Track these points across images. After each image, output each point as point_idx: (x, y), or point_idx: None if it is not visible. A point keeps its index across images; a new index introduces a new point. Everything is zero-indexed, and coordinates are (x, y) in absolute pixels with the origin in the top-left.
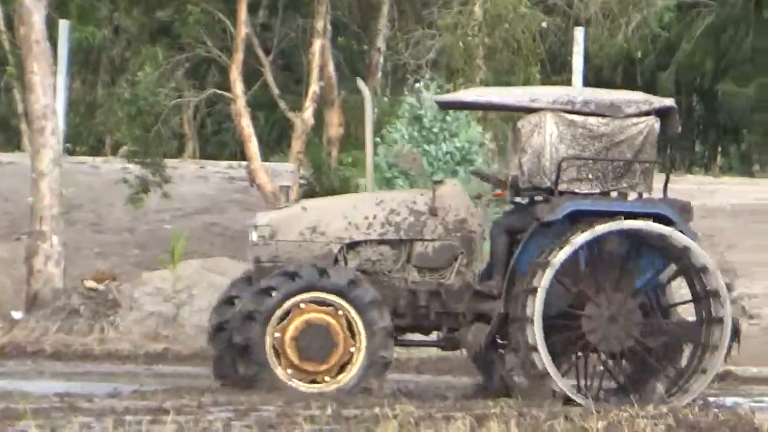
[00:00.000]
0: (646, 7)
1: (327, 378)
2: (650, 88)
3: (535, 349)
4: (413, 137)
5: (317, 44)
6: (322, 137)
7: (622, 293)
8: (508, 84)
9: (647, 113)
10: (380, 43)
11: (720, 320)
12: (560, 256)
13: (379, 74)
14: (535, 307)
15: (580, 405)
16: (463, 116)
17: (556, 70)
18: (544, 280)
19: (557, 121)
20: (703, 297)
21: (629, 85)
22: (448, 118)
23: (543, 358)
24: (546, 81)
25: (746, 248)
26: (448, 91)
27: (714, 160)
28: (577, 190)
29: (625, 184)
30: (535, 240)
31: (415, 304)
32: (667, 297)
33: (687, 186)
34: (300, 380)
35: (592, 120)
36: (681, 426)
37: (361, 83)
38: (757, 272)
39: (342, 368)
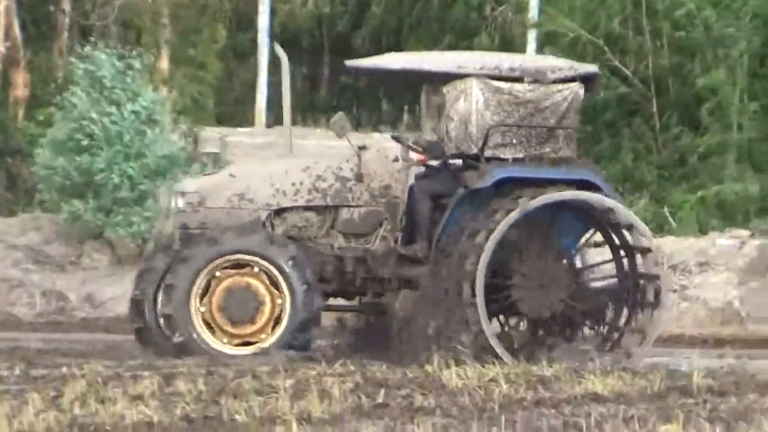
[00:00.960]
0: None
1: (263, 336)
2: (342, 47)
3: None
4: (95, 100)
5: (2, 5)
6: (8, 98)
7: (547, 259)
8: (194, 44)
9: (572, 79)
10: (65, 4)
11: (655, 277)
12: (493, 238)
13: (65, 35)
14: (477, 290)
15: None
16: (142, 77)
17: (242, 29)
18: (480, 265)
19: (483, 87)
20: (630, 255)
21: (318, 44)
22: (128, 79)
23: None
24: (232, 39)
25: None
26: (132, 52)
27: (401, 119)
28: (502, 156)
29: (548, 149)
30: (462, 206)
31: (341, 270)
32: (585, 260)
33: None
34: (238, 345)
35: (518, 86)
36: (368, 383)
37: (278, 48)
38: None
39: (277, 322)
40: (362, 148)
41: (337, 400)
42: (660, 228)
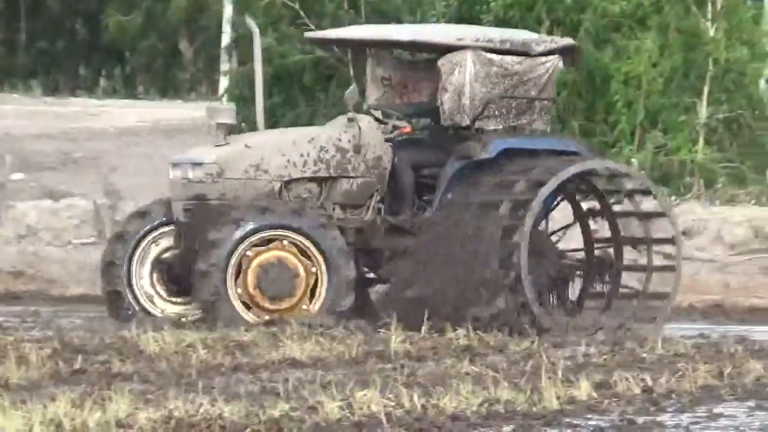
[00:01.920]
0: None
1: (304, 306)
2: (37, 12)
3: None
4: None
5: None
6: None
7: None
8: None
9: (552, 52)
10: None
11: (671, 240)
12: (534, 206)
13: None
14: (522, 261)
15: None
16: None
17: None
18: (524, 235)
19: (476, 59)
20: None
21: (15, 8)
22: None
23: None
24: None
25: (130, 171)
26: None
27: (98, 83)
28: (485, 127)
29: (525, 121)
30: (463, 177)
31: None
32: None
33: (72, 109)
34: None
35: (507, 59)
36: (66, 349)
37: (249, 20)
38: (139, 194)
39: (314, 291)
40: (352, 119)
41: (34, 366)
42: None
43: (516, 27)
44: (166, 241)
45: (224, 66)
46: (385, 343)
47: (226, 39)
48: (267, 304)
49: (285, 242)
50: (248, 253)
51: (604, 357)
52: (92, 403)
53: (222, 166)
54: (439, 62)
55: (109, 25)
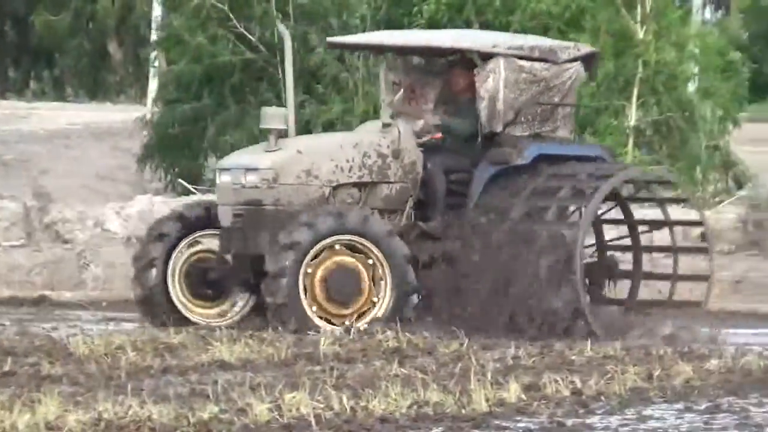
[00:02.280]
0: None
1: (346, 323)
2: None
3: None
4: None
5: None
6: None
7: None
8: None
9: (575, 59)
10: None
11: (705, 249)
12: (586, 218)
13: None
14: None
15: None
16: None
17: None
18: (579, 240)
19: (507, 65)
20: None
21: None
22: None
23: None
24: None
25: (60, 173)
26: None
27: (27, 86)
28: (512, 133)
29: (548, 128)
30: (496, 182)
31: None
32: None
33: (1, 112)
34: (321, 319)
35: (537, 65)
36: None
37: (280, 25)
38: (69, 197)
39: (360, 317)
40: (387, 124)
41: None
42: None
43: (445, 29)
44: (202, 245)
45: (153, 69)
46: (315, 345)
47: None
48: (332, 309)
49: (350, 248)
50: (317, 257)
51: (533, 359)
52: (21, 406)
53: (277, 172)
54: (475, 71)
55: (37, 25)
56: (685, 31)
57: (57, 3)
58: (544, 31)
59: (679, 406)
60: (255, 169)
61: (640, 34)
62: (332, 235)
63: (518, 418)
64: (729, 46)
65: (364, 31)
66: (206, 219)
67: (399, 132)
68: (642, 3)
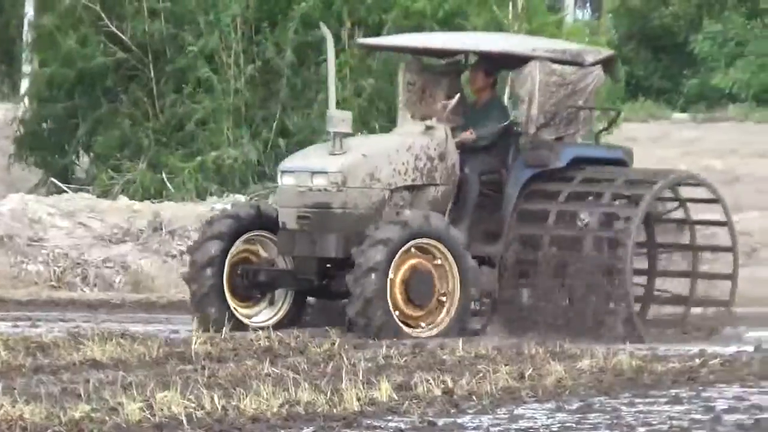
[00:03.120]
0: None
1: (423, 324)
2: None
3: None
4: None
5: None
6: None
7: None
8: None
9: (597, 63)
10: None
11: (730, 248)
12: (633, 226)
13: None
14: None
15: None
16: None
17: None
18: (630, 247)
19: (541, 69)
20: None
21: None
22: None
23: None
24: None
25: None
26: None
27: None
28: (541, 137)
29: (571, 131)
30: (530, 185)
31: None
32: None
33: None
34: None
35: (567, 69)
36: None
37: (323, 26)
38: None
39: (431, 316)
40: (430, 127)
41: None
42: (159, 194)
43: (317, 27)
44: (256, 245)
45: (26, 67)
46: (186, 344)
47: (27, 40)
48: (408, 310)
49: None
50: (400, 257)
51: (405, 358)
52: None
53: (345, 175)
54: (511, 74)
55: None
56: (557, 32)
57: None
58: (418, 30)
59: (551, 405)
60: (323, 173)
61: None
62: (422, 236)
63: (389, 418)
64: (604, 45)
65: (235, 29)
66: (257, 219)
67: (446, 134)
68: (514, 3)
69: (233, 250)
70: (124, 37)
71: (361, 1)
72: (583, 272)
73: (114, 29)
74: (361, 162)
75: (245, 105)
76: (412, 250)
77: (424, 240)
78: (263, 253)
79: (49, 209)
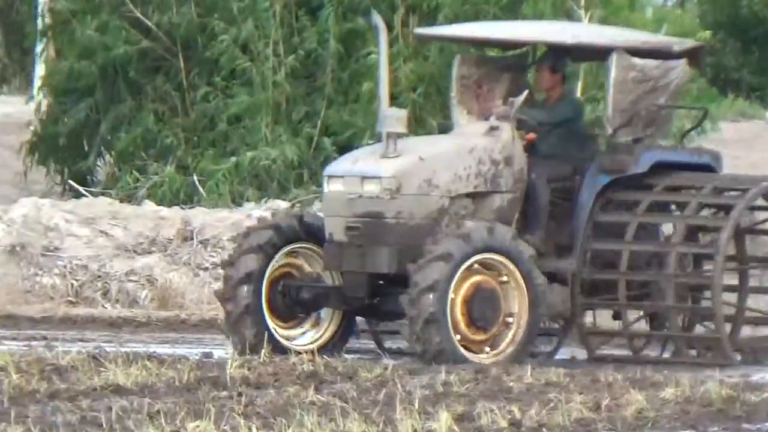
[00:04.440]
0: None
1: (487, 348)
2: None
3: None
4: None
5: None
6: None
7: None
8: None
9: (681, 55)
10: None
11: None
12: (724, 239)
13: None
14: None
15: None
16: None
17: None
18: (720, 261)
19: (618, 62)
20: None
21: None
22: None
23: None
24: None
25: None
26: None
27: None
28: (618, 138)
29: (650, 132)
30: (615, 194)
31: None
32: None
33: None
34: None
35: (649, 62)
36: None
37: (375, 16)
38: None
39: (496, 340)
40: (494, 128)
41: None
42: (189, 199)
43: (365, 14)
44: (299, 259)
45: (39, 59)
46: (221, 367)
47: (40, 27)
48: (471, 333)
49: (495, 269)
50: (461, 274)
51: (466, 386)
52: None
53: (400, 181)
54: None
55: None
56: (633, 16)
57: None
58: (476, 17)
59: None
60: (376, 178)
61: (585, 21)
62: (486, 251)
63: None
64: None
65: (273, 16)
66: (300, 230)
67: (512, 136)
68: None
69: (273, 264)
70: (149, 23)
71: None
72: (666, 291)
73: (138, 15)
74: (417, 166)
75: (285, 100)
76: (475, 266)
77: (489, 255)
78: (307, 268)
79: (66, 215)
